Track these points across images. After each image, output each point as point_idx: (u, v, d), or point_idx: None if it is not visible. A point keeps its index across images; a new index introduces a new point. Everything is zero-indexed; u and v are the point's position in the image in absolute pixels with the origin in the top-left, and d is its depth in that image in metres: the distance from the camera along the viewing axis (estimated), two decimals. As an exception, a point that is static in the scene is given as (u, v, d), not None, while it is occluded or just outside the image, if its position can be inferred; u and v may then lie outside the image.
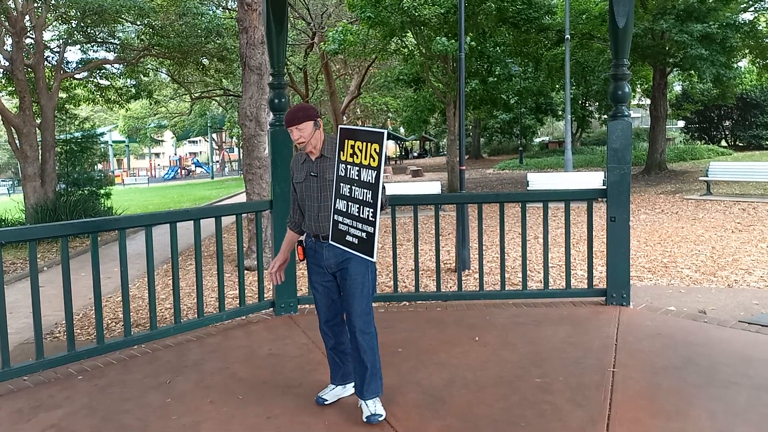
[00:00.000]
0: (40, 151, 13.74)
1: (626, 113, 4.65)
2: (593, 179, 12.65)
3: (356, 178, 2.77)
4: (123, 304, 4.24)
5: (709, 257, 7.40)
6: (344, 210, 2.84)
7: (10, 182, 39.33)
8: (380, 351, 3.93)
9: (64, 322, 6.04)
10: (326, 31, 18.71)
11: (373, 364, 2.98)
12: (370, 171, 2.70)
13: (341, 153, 2.85)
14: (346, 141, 2.83)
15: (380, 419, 2.96)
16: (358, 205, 2.77)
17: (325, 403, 3.18)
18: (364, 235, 2.74)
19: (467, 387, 3.36)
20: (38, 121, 13.94)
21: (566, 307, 4.75)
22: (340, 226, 2.87)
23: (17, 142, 13.62)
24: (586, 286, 5.04)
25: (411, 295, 5.31)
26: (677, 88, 33.63)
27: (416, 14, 13.68)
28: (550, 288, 5.03)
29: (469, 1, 13.73)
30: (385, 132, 2.86)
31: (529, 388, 3.31)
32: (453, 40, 13.88)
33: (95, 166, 16.70)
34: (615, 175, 4.61)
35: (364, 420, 2.97)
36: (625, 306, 4.65)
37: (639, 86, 25.88)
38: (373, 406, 2.99)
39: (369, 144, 2.71)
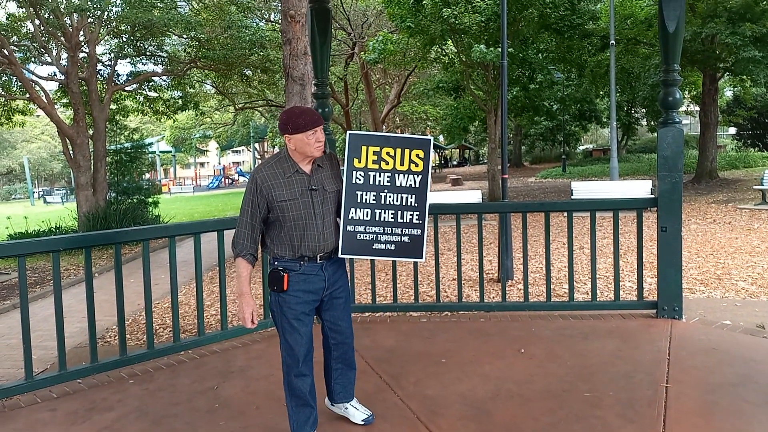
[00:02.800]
0: (92, 161, 14.27)
1: (677, 120, 4.52)
2: (640, 188, 12.32)
3: (388, 183, 2.80)
4: (172, 310, 4.34)
5: (766, 269, 7.09)
6: (367, 218, 2.80)
7: (64, 191, 40.95)
8: (423, 360, 3.95)
9: (114, 327, 6.23)
10: (366, 40, 18.86)
11: (356, 365, 3.11)
12: (411, 175, 2.78)
13: (355, 160, 2.81)
14: (364, 147, 2.80)
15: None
16: (393, 211, 2.80)
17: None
18: (406, 239, 2.80)
19: (513, 400, 3.30)
20: (91, 132, 14.50)
21: (615, 319, 4.62)
22: (361, 236, 2.80)
23: (71, 152, 14.19)
24: (635, 298, 4.90)
25: (453, 305, 5.26)
26: (728, 93, 32.51)
27: (456, 23, 13.66)
28: (597, 300, 4.91)
29: (510, 7, 13.62)
30: (431, 138, 2.91)
31: (577, 402, 3.23)
32: (492, 48, 13.79)
33: (143, 176, 17.23)
34: (666, 184, 4.48)
35: (362, 423, 3.05)
36: (677, 319, 4.49)
37: (687, 93, 25.12)
38: (362, 407, 3.11)
39: (408, 150, 2.77)
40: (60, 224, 14.89)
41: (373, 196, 2.80)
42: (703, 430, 2.87)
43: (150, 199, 15.34)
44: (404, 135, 2.99)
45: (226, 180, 54.85)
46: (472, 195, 12.46)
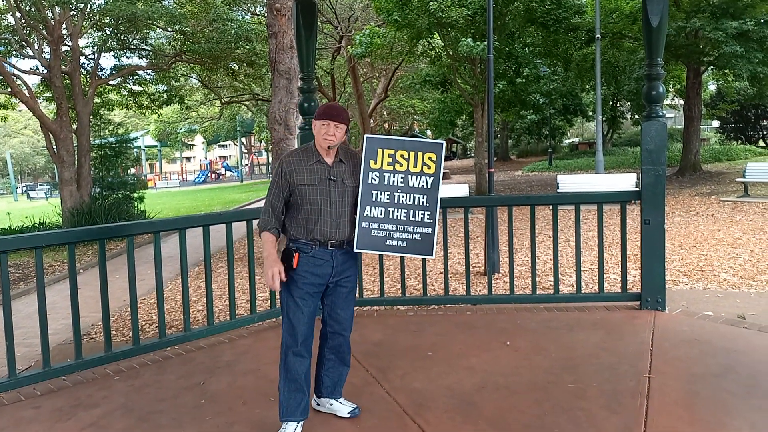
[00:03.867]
0: (76, 156, 14.11)
1: (660, 113, 4.57)
2: (625, 181, 12.42)
3: (401, 184, 2.98)
4: (158, 306, 4.32)
5: (747, 261, 7.19)
6: (381, 216, 2.97)
7: (48, 186, 40.47)
8: (410, 354, 3.97)
9: (100, 323, 6.17)
10: (353, 34, 18.79)
11: (350, 364, 3.18)
12: (424, 177, 2.99)
13: (371, 161, 2.98)
14: (380, 150, 2.98)
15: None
16: (406, 210, 2.98)
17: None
18: (417, 236, 2.99)
19: (499, 392, 3.33)
20: (74, 126, 14.32)
21: (599, 311, 4.68)
22: (374, 233, 2.97)
23: (54, 147, 14.01)
24: (619, 290, 4.95)
25: (440, 299, 5.28)
26: (712, 87, 32.83)
27: (443, 16, 13.64)
28: (582, 292, 4.95)
29: (496, 2, 13.64)
30: (444, 143, 3.11)
31: (563, 394, 3.27)
32: (479, 42, 13.80)
33: (128, 171, 17.07)
34: (649, 177, 4.52)
35: (348, 415, 3.09)
36: (660, 311, 4.55)
37: (672, 86, 25.35)
38: (347, 401, 3.17)
39: (421, 153, 2.99)
40: (44, 220, 14.71)
41: (387, 195, 2.97)
42: (685, 420, 2.92)
43: (135, 195, 15.19)
44: (418, 139, 3.11)
45: (213, 174, 54.51)
46: (459, 189, 12.50)
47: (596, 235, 4.89)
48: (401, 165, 2.98)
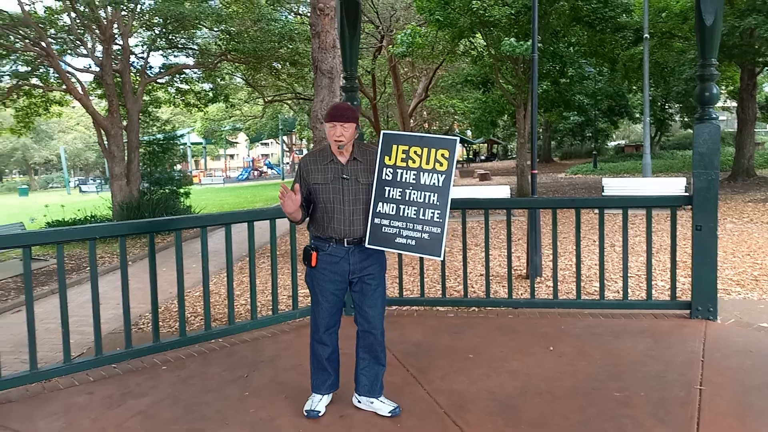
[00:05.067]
0: (125, 152, 14.56)
1: (714, 116, 4.42)
2: (674, 185, 12.05)
3: (413, 181, 2.94)
4: (204, 299, 4.42)
5: (803, 270, 6.88)
6: (392, 213, 2.96)
7: (99, 181, 41.88)
8: (450, 355, 3.96)
9: (147, 314, 6.36)
10: (394, 34, 18.79)
11: (385, 363, 3.18)
12: (435, 174, 2.91)
13: (386, 157, 2.97)
14: (394, 146, 2.97)
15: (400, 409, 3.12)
16: (416, 208, 2.94)
17: (320, 415, 3.13)
18: (426, 236, 2.93)
19: (541, 397, 3.28)
20: (124, 123, 14.78)
21: (647, 319, 4.55)
22: (385, 229, 2.97)
23: (105, 143, 14.49)
24: (668, 298, 4.82)
25: (481, 301, 5.24)
26: (767, 89, 31.58)
27: (486, 15, 13.51)
28: (629, 299, 4.83)
29: (540, 0, 13.40)
30: (457, 139, 3.02)
31: (607, 401, 3.20)
32: (522, 41, 13.61)
33: (175, 167, 17.51)
34: (702, 182, 4.38)
35: (389, 414, 3.08)
36: (711, 320, 4.40)
37: (724, 88, 24.45)
38: (388, 400, 3.15)
39: (434, 149, 2.91)
40: (95, 213, 15.24)
41: (399, 192, 2.95)
42: (738, 431, 2.82)
43: (181, 190, 15.58)
44: (431, 135, 3.07)
45: (255, 172, 55.42)
46: (500, 190, 12.38)
47: (643, 241, 4.78)
48: (414, 161, 2.95)
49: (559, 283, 5.24)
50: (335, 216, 2.94)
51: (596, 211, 4.82)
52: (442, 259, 3.04)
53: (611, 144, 46.43)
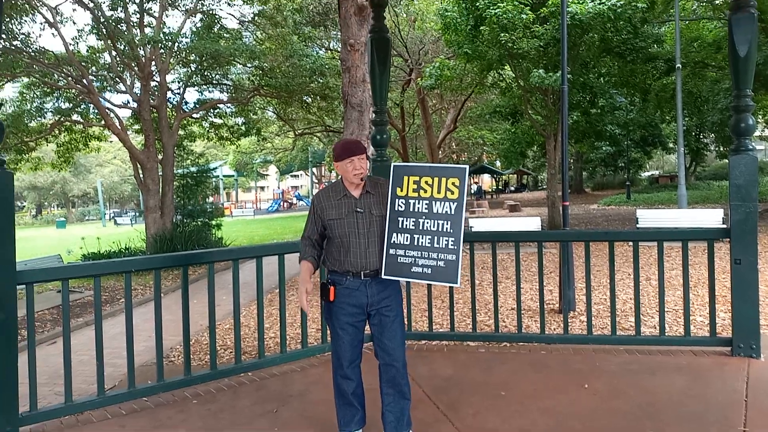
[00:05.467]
0: (160, 185, 14.94)
1: (750, 147, 4.32)
2: (710, 217, 11.76)
3: (426, 211, 3.00)
4: (235, 332, 4.45)
5: None
6: (407, 243, 3.00)
7: (133, 213, 42.96)
8: (481, 392, 3.88)
9: (178, 346, 6.42)
10: (423, 67, 19.03)
11: (410, 396, 3.11)
12: (447, 203, 2.98)
13: (398, 189, 3.04)
14: (405, 177, 3.04)
15: None
16: (430, 236, 2.99)
17: None
18: (442, 263, 2.98)
19: (576, 437, 3.18)
20: (160, 156, 15.21)
21: (685, 356, 4.40)
22: (401, 259, 3.01)
23: (141, 176, 14.92)
24: (707, 334, 4.65)
25: (513, 336, 5.14)
26: (805, 117, 30.78)
27: (514, 48, 13.60)
28: (666, 334, 4.68)
29: (569, 32, 13.44)
30: (467, 167, 3.09)
31: (646, 443, 3.08)
32: (551, 73, 13.62)
33: (207, 199, 17.88)
34: (739, 214, 4.27)
35: None
36: (754, 358, 4.23)
37: (761, 117, 23.99)
38: None
39: (445, 178, 2.99)
40: (129, 245, 15.58)
41: (413, 222, 3.01)
42: (786, 480, 2.67)
43: (213, 222, 15.86)
44: (441, 165, 3.15)
45: (285, 204, 56.10)
46: (531, 222, 12.26)
47: (680, 274, 4.65)
48: (425, 191, 3.01)
49: (593, 318, 5.12)
50: (351, 249, 2.98)
51: (630, 244, 4.72)
52: (458, 285, 3.05)
53: (645, 174, 45.72)
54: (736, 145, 4.35)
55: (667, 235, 4.70)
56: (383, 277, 3.00)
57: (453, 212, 2.97)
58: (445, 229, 2.97)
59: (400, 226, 3.01)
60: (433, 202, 2.99)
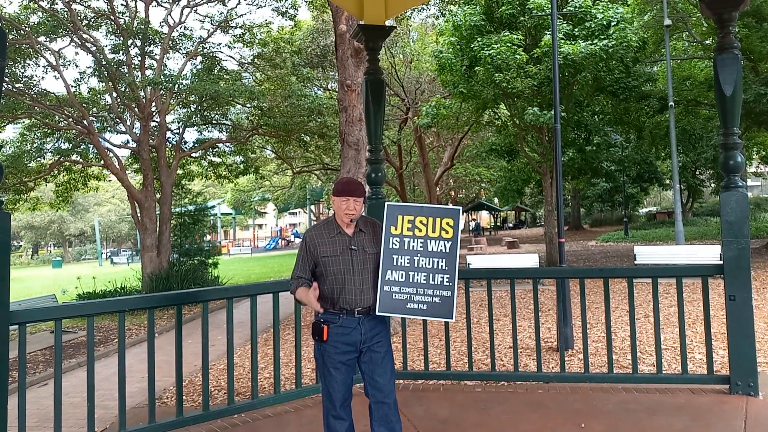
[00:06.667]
0: (157, 224, 14.95)
1: (739, 183, 4.37)
2: (708, 252, 11.73)
3: (421, 249, 3.08)
4: (228, 373, 4.40)
5: None
6: (402, 280, 3.06)
7: (130, 252, 42.82)
8: (478, 434, 3.81)
9: (171, 387, 6.32)
10: (420, 106, 19.33)
11: None
12: (442, 242, 3.08)
13: (392, 227, 3.11)
14: (400, 216, 3.12)
15: None
16: (425, 273, 3.07)
17: None
18: (437, 299, 3.06)
19: (574, 479, 3.12)
20: (158, 195, 15.26)
21: (683, 394, 4.35)
22: (396, 296, 3.05)
23: (139, 215, 14.94)
24: (705, 372, 4.61)
25: (510, 375, 5.08)
26: (799, 152, 31.11)
27: (508, 87, 13.86)
28: (664, 372, 4.64)
29: (563, 72, 13.71)
30: (460, 209, 3.20)
31: (645, 485, 3.02)
32: (546, 111, 13.84)
33: (204, 237, 17.86)
34: (732, 250, 4.28)
35: None
36: (753, 396, 4.18)
37: (756, 153, 24.25)
38: None
39: (439, 219, 3.10)
40: (125, 284, 15.49)
41: (408, 259, 3.08)
42: None
43: (210, 260, 15.81)
44: (435, 205, 3.27)
45: (283, 241, 56.04)
46: (528, 258, 12.24)
47: (677, 311, 4.62)
48: (420, 230, 3.10)
49: (591, 356, 5.08)
50: (345, 287, 2.99)
51: (626, 280, 4.72)
52: (453, 320, 3.12)
53: (643, 210, 45.91)
54: (726, 182, 4.40)
55: (661, 272, 4.72)
56: (378, 313, 3.02)
57: (447, 250, 3.07)
58: (440, 267, 3.05)
59: (395, 263, 3.06)
60: (428, 241, 3.08)
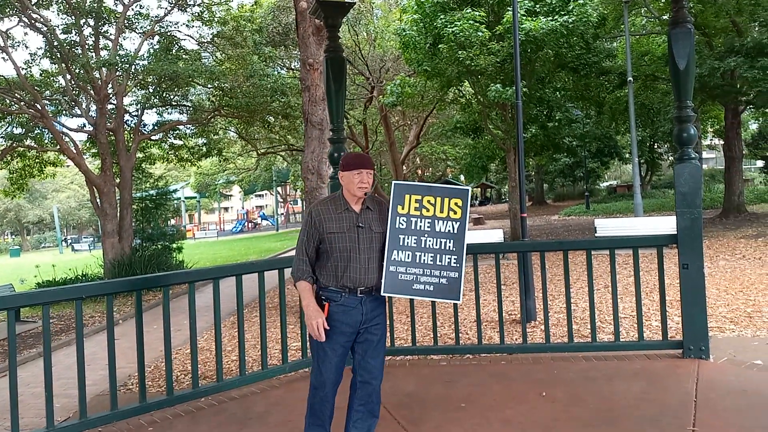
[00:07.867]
0: (118, 209, 14.61)
1: (693, 156, 4.50)
2: (666, 224, 12.07)
3: (428, 229, 3.01)
4: (192, 356, 4.36)
5: (798, 305, 6.86)
6: (408, 260, 2.99)
7: (91, 239, 41.86)
8: (443, 405, 3.89)
9: (137, 374, 6.25)
10: (384, 84, 19.23)
11: (378, 414, 3.08)
12: (450, 222, 3.03)
13: (399, 207, 3.02)
14: (407, 196, 3.04)
15: None
16: (432, 254, 3.01)
17: None
18: (444, 281, 3.01)
19: (535, 446, 3.21)
20: (117, 180, 14.89)
21: (639, 360, 4.51)
22: (402, 276, 2.98)
23: (98, 200, 14.56)
24: (660, 338, 4.78)
25: (474, 348, 5.18)
26: (753, 126, 32.16)
27: (472, 65, 13.88)
28: (621, 340, 4.80)
29: (524, 48, 13.78)
30: (469, 188, 3.16)
31: (603, 448, 3.13)
32: (508, 87, 13.93)
33: (168, 222, 17.53)
34: (685, 220, 4.42)
35: None
36: (704, 359, 4.36)
37: (710, 126, 24.93)
38: None
39: (447, 199, 3.03)
40: (87, 271, 15.15)
41: (414, 239, 3.01)
42: (734, 477, 2.75)
43: (174, 245, 15.55)
44: (444, 185, 3.19)
45: (250, 224, 55.51)
46: (493, 234, 12.40)
47: (634, 281, 4.76)
48: (428, 210, 3.03)
49: (552, 327, 5.21)
50: (351, 264, 2.89)
51: (585, 252, 4.83)
52: (460, 302, 3.08)
53: (604, 185, 46.89)
54: (680, 154, 4.52)
55: (618, 243, 4.84)
56: (383, 294, 2.95)
57: (456, 231, 3.01)
58: (447, 247, 3.00)
59: (401, 243, 2.99)
60: (436, 221, 3.02)
